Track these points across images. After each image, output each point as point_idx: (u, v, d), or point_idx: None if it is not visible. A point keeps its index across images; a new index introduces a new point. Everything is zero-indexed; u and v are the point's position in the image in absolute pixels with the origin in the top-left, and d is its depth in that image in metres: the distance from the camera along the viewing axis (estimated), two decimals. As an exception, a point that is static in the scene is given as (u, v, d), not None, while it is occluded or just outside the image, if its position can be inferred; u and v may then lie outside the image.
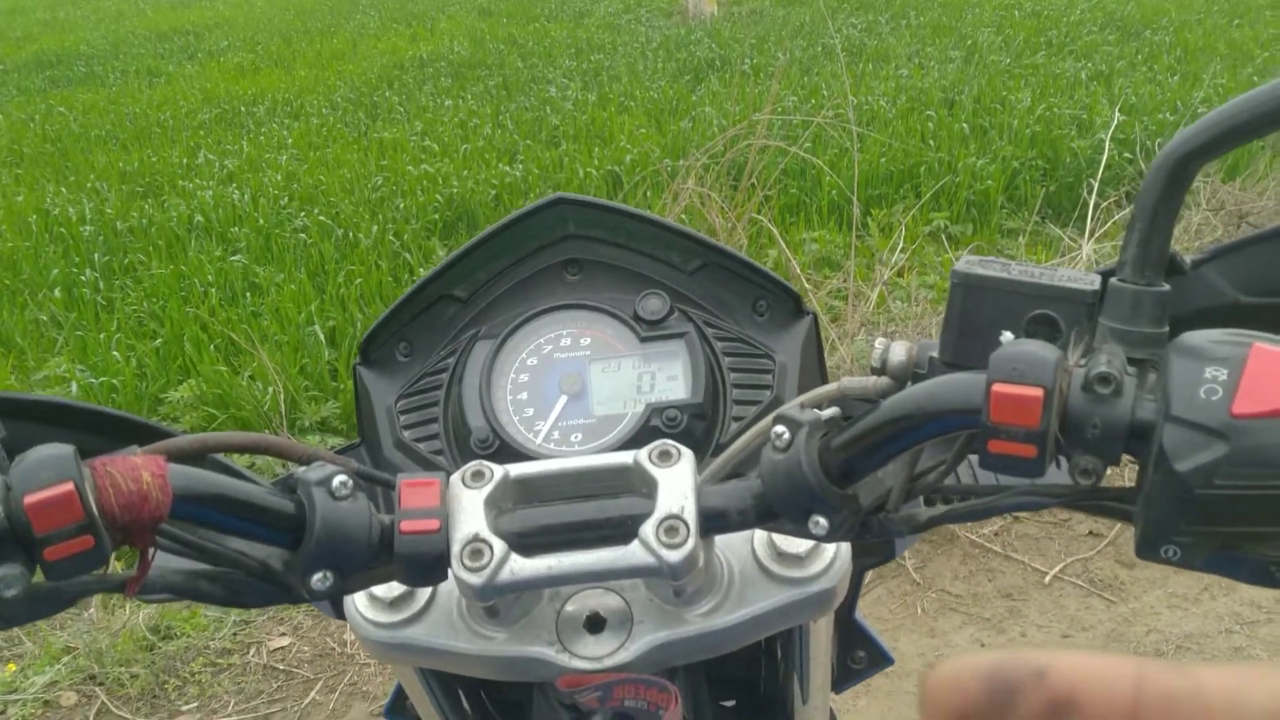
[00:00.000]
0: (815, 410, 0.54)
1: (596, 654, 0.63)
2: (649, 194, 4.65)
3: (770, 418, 0.54)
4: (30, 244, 5.20)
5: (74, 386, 3.64)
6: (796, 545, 0.64)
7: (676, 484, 0.56)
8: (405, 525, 0.54)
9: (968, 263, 0.54)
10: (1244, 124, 0.46)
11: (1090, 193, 3.86)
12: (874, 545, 0.77)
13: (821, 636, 0.76)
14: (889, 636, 2.44)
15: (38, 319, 4.34)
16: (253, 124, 7.55)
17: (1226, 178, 4.65)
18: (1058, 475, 0.46)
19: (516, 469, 0.60)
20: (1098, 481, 0.44)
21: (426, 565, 0.54)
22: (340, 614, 0.69)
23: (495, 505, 0.57)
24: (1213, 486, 0.39)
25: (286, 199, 5.50)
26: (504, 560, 0.55)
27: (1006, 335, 0.51)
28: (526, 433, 0.77)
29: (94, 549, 0.45)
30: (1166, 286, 0.50)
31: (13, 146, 7.55)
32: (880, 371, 0.59)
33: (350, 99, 7.96)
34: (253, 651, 2.54)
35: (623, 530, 0.56)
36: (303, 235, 4.91)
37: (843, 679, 0.93)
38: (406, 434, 0.79)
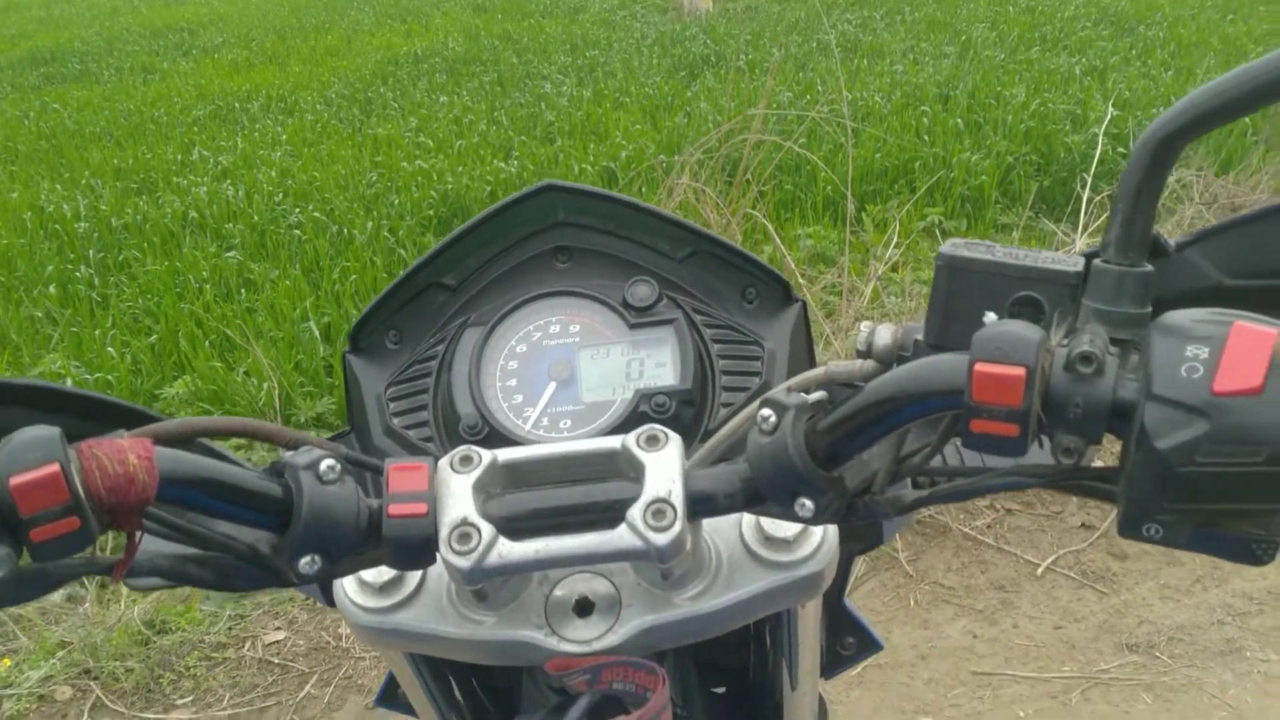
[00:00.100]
0: (802, 394, 0.54)
1: (585, 637, 0.63)
2: (644, 190, 4.66)
3: (757, 402, 0.54)
4: (25, 240, 5.19)
5: (69, 382, 3.64)
6: (784, 529, 0.64)
7: (664, 468, 0.56)
8: (393, 509, 0.54)
9: (953, 245, 0.55)
10: (1224, 105, 0.46)
11: (1084, 187, 3.85)
12: (862, 529, 0.78)
13: (810, 622, 0.76)
14: (882, 628, 2.44)
15: (33, 315, 4.33)
16: (247, 120, 7.52)
17: (1220, 171, 4.65)
18: (1041, 456, 0.46)
19: (505, 454, 0.60)
20: (1080, 461, 0.44)
21: (414, 549, 0.54)
22: (330, 600, 0.69)
23: (483, 490, 0.58)
24: (1194, 464, 0.39)
25: (281, 195, 5.48)
26: (492, 544, 0.55)
27: (990, 316, 0.51)
28: (516, 419, 0.77)
29: (80, 530, 0.45)
30: (1149, 267, 0.50)
31: (7, 143, 7.53)
32: (866, 355, 0.59)
33: (345, 95, 7.94)
34: (248, 645, 2.54)
35: (610, 514, 0.56)
36: (297, 231, 4.91)
37: (832, 665, 0.93)
38: (396, 421, 0.79)
